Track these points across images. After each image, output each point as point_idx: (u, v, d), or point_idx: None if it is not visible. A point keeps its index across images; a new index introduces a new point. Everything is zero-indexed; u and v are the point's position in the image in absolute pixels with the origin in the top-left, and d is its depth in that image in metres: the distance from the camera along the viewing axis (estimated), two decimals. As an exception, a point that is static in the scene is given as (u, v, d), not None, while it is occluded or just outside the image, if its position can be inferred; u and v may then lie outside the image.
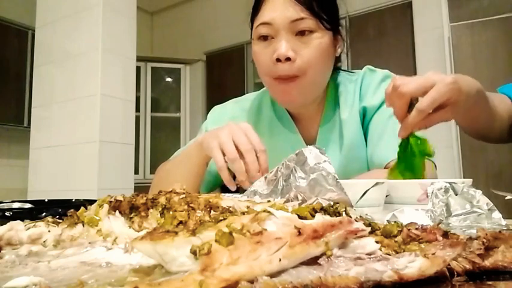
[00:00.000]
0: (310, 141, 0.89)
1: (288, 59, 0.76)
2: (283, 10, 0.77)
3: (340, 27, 0.84)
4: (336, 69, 0.90)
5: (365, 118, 0.87)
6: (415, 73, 3.10)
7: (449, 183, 0.46)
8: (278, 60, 0.76)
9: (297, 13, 0.76)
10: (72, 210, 0.37)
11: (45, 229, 0.34)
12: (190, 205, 0.37)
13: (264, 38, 0.79)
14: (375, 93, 0.86)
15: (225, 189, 1.08)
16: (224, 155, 0.68)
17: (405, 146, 0.62)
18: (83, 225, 0.34)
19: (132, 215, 0.37)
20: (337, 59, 0.87)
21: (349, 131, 0.85)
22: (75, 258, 0.29)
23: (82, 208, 0.37)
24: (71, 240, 0.33)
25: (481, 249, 0.26)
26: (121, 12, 2.42)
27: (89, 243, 0.32)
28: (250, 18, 0.85)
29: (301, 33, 0.77)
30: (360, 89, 0.88)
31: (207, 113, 1.01)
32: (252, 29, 0.84)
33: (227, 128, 0.70)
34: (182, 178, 0.78)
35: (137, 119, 4.09)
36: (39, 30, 2.57)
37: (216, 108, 1.01)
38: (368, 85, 0.87)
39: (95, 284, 0.23)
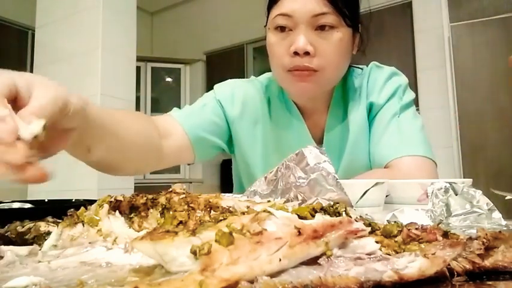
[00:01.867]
0: (316, 134, 0.88)
1: (307, 53, 0.74)
2: (305, 2, 0.74)
3: (359, 25, 0.82)
4: None
5: (370, 114, 0.87)
6: (415, 73, 3.11)
7: (449, 183, 0.46)
8: (296, 53, 0.74)
9: (320, 7, 0.73)
10: (72, 210, 0.37)
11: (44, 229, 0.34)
12: (190, 205, 0.37)
13: (282, 29, 0.77)
14: (381, 91, 0.86)
15: (225, 189, 1.08)
16: None
17: None
18: (83, 225, 0.34)
19: (132, 215, 0.37)
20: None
21: (355, 126, 0.85)
22: (75, 258, 0.29)
23: (82, 208, 0.37)
24: (71, 240, 0.33)
25: (481, 249, 0.26)
26: (121, 12, 2.42)
27: (89, 243, 0.32)
28: (267, 6, 0.82)
29: (321, 27, 0.74)
30: (366, 84, 0.87)
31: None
32: (267, 17, 0.81)
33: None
34: None
35: (137, 119, 4.08)
36: (39, 30, 2.57)
37: (225, 82, 0.94)
38: (374, 81, 0.87)
39: (94, 284, 0.23)
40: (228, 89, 0.91)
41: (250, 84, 0.93)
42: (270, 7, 0.81)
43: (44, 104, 0.35)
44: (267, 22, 0.82)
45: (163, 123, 0.79)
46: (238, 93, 0.90)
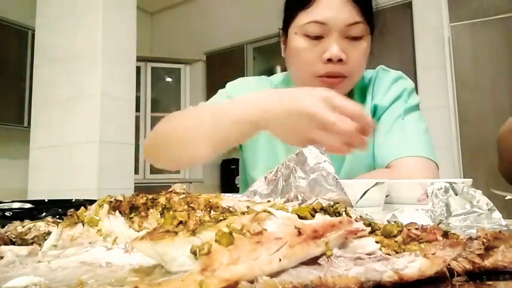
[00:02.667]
0: None
1: (339, 60, 0.75)
2: (340, 11, 0.74)
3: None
4: None
5: (375, 116, 0.87)
6: (414, 73, 3.11)
7: (449, 183, 0.46)
8: (329, 60, 0.75)
9: (353, 17, 0.75)
10: (72, 210, 0.37)
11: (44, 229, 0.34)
12: (190, 205, 0.37)
13: (313, 35, 0.76)
14: (386, 93, 0.86)
15: (225, 189, 1.08)
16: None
17: None
18: (83, 225, 0.34)
19: (132, 215, 0.37)
20: None
21: None
22: (75, 258, 0.29)
23: (82, 208, 0.37)
24: (71, 240, 0.33)
25: (481, 249, 0.26)
26: (121, 12, 2.42)
27: (89, 243, 0.32)
28: (289, 6, 0.81)
29: (352, 37, 0.76)
30: (372, 87, 0.88)
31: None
32: (289, 19, 0.81)
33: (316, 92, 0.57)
34: (211, 139, 0.64)
35: (137, 119, 4.09)
36: (39, 30, 2.57)
37: (238, 79, 0.94)
38: (380, 84, 0.88)
39: (94, 284, 0.23)
40: (241, 86, 0.92)
41: (261, 82, 0.94)
42: (294, 9, 0.79)
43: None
44: (287, 24, 0.81)
45: None
46: (250, 91, 0.89)
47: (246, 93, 0.88)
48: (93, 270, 0.27)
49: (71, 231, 0.34)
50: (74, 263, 0.28)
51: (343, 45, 0.75)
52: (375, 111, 0.87)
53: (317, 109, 0.54)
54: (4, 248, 0.30)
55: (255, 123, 0.60)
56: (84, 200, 0.62)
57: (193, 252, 0.22)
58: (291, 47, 0.81)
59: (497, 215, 0.43)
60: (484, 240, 0.27)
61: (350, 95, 0.89)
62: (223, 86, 0.96)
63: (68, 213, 0.36)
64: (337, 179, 0.43)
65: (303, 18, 0.77)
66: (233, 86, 0.92)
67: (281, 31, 0.87)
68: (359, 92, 0.89)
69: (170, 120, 0.76)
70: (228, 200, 0.39)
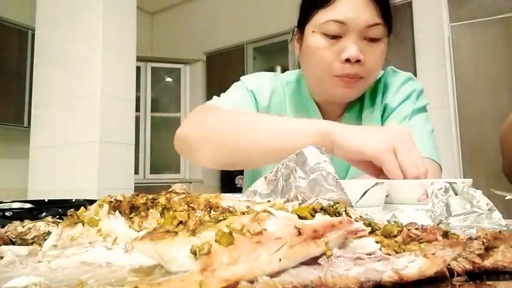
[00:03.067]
0: None
1: (357, 61, 0.75)
2: (361, 11, 0.74)
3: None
4: None
5: (383, 116, 0.88)
6: (415, 73, 3.11)
7: (449, 183, 0.46)
8: (347, 60, 0.75)
9: (373, 18, 0.74)
10: (72, 210, 0.37)
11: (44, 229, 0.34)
12: (190, 205, 0.37)
13: (332, 34, 0.76)
14: (395, 94, 0.87)
15: (225, 189, 1.08)
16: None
17: None
18: (83, 225, 0.34)
19: (132, 215, 0.37)
20: None
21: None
22: (75, 258, 0.29)
23: (82, 208, 0.37)
24: (71, 240, 0.33)
25: (481, 249, 0.26)
26: (121, 12, 2.42)
27: (89, 243, 0.32)
28: (305, 3, 0.81)
29: (370, 39, 0.76)
30: (382, 88, 0.89)
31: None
32: (307, 17, 0.80)
33: (404, 145, 0.57)
34: (265, 150, 0.65)
35: (137, 119, 4.09)
36: (39, 30, 2.57)
37: (253, 74, 0.94)
38: (389, 85, 0.88)
39: (94, 284, 0.23)
40: (258, 80, 0.91)
41: (275, 78, 0.93)
42: (313, 6, 0.79)
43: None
44: (304, 22, 0.81)
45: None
46: (266, 85, 0.90)
47: (263, 87, 0.89)
48: (93, 270, 0.27)
49: (71, 231, 0.34)
50: (74, 263, 0.28)
51: (362, 46, 0.75)
52: (384, 111, 0.88)
53: (384, 161, 0.56)
54: (4, 248, 0.30)
55: (325, 134, 0.60)
56: (84, 200, 0.62)
57: (193, 252, 0.22)
58: (308, 45, 0.80)
59: (497, 215, 0.43)
60: (484, 240, 0.27)
61: (361, 95, 0.89)
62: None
63: (68, 213, 0.36)
64: (337, 179, 0.43)
65: (322, 17, 0.76)
66: (250, 80, 0.91)
67: (296, 29, 0.86)
68: (369, 92, 0.89)
69: (217, 116, 0.76)
70: (228, 200, 0.39)
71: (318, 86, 0.85)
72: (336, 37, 0.76)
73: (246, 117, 0.74)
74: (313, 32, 0.78)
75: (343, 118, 0.89)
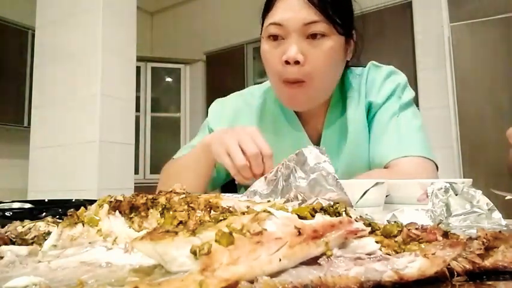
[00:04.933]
0: (315, 138, 0.88)
1: (297, 62, 0.74)
2: (296, 12, 0.74)
3: (353, 31, 0.82)
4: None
5: (369, 113, 0.86)
6: (415, 73, 3.11)
7: (449, 183, 0.46)
8: (287, 62, 0.74)
9: (310, 16, 0.74)
10: (72, 210, 0.37)
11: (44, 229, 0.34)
12: (190, 205, 0.37)
13: (274, 37, 0.77)
14: (379, 90, 0.85)
15: (225, 189, 1.08)
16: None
17: None
18: (83, 225, 0.34)
19: (132, 215, 0.37)
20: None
21: (354, 128, 0.85)
22: (75, 258, 0.29)
23: (82, 208, 0.37)
24: (71, 240, 0.33)
25: (481, 249, 0.26)
26: (121, 12, 2.42)
27: (89, 243, 0.32)
28: (262, 15, 0.83)
29: (313, 36, 0.74)
30: (365, 84, 0.87)
31: (207, 113, 0.99)
32: (262, 26, 0.82)
33: (233, 133, 0.69)
34: (193, 181, 0.80)
35: (137, 119, 4.09)
36: (39, 30, 2.57)
37: (218, 101, 0.98)
38: (373, 81, 0.86)
39: (95, 284, 0.23)
40: (218, 107, 0.97)
41: (241, 98, 0.96)
42: (264, 16, 0.81)
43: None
44: (261, 31, 0.82)
45: None
46: (226, 110, 0.94)
47: (222, 112, 0.94)
48: (93, 270, 0.27)
49: (71, 231, 0.34)
50: (74, 263, 0.28)
51: (303, 46, 0.74)
52: (370, 108, 0.86)
53: (219, 159, 0.70)
54: (4, 248, 0.30)
55: (207, 145, 0.75)
56: (84, 200, 0.62)
57: (194, 252, 0.22)
58: (261, 52, 0.83)
59: (497, 215, 0.43)
60: (484, 240, 0.27)
61: (343, 93, 0.88)
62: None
63: (68, 213, 0.36)
64: (337, 179, 0.43)
65: (266, 22, 0.79)
66: (213, 114, 0.97)
67: None
68: (351, 90, 0.87)
69: (167, 171, 0.93)
70: (228, 200, 0.39)
71: (275, 93, 0.86)
72: (278, 40, 0.77)
73: (175, 169, 0.90)
74: (262, 37, 0.81)
75: (326, 120, 0.87)
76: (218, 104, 0.98)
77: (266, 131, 0.88)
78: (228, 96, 0.99)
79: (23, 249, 0.30)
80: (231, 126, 0.89)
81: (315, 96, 0.81)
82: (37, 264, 0.28)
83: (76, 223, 0.34)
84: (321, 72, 0.76)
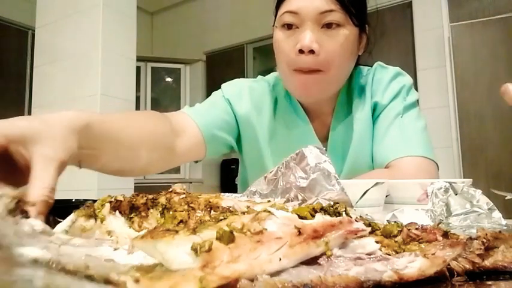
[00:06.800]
0: (322, 134, 0.88)
1: (312, 51, 0.73)
2: (312, 0, 0.74)
3: (366, 25, 0.82)
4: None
5: (374, 113, 0.87)
6: (415, 73, 3.11)
7: (449, 183, 0.46)
8: (301, 51, 0.73)
9: (327, 4, 0.73)
10: (90, 201, 0.38)
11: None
12: (191, 205, 0.37)
13: (288, 26, 0.76)
14: (384, 91, 0.85)
15: (225, 189, 1.08)
16: None
17: None
18: (95, 220, 0.35)
19: (132, 215, 0.37)
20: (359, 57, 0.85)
21: (360, 125, 0.85)
22: (82, 249, 0.29)
23: (98, 203, 0.37)
24: (82, 231, 0.33)
25: (481, 249, 0.26)
26: (121, 12, 2.42)
27: (96, 239, 0.33)
28: (276, 5, 0.82)
29: (328, 25, 0.74)
30: (371, 84, 0.87)
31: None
32: (275, 16, 0.81)
33: None
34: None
35: (137, 119, 4.08)
36: (39, 30, 2.57)
37: (235, 80, 0.94)
38: (379, 81, 0.87)
39: (100, 268, 0.24)
40: (236, 87, 0.91)
41: (257, 83, 0.93)
42: (278, 6, 0.80)
43: (48, 184, 0.37)
44: (274, 21, 0.81)
45: (178, 119, 0.79)
46: (245, 92, 0.90)
47: (242, 93, 0.89)
48: (97, 262, 0.27)
49: (84, 222, 0.34)
50: (81, 254, 0.28)
51: (318, 35, 0.73)
52: (375, 109, 0.86)
53: None
54: (23, 220, 0.31)
55: None
56: (84, 200, 0.62)
57: (194, 250, 0.22)
58: (273, 41, 0.81)
59: (497, 214, 0.43)
60: (484, 240, 0.27)
61: (349, 92, 0.88)
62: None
63: (86, 204, 0.36)
64: (337, 179, 0.43)
65: (280, 11, 0.78)
66: (228, 88, 0.92)
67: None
68: (358, 90, 0.87)
69: None
70: (228, 200, 0.39)
71: (285, 83, 0.84)
72: (293, 29, 0.76)
73: None
74: (276, 27, 0.80)
75: (333, 118, 0.87)
76: (233, 83, 0.93)
77: (278, 123, 0.89)
78: (239, 79, 0.95)
79: (39, 225, 0.30)
80: (251, 108, 0.88)
81: (327, 88, 0.80)
82: (49, 244, 0.28)
83: (91, 216, 0.35)
84: (336, 63, 0.75)
